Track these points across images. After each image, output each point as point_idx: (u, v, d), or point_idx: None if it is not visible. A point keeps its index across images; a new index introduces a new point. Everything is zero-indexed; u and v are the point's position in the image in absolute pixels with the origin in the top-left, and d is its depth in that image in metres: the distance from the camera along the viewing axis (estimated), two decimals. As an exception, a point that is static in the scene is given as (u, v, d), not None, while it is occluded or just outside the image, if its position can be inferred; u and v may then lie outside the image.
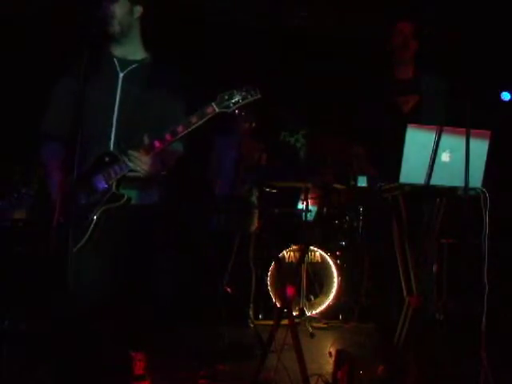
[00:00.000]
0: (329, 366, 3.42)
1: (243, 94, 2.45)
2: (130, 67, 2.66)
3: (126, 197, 2.52)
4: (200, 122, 2.45)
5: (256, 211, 4.87)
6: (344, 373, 2.88)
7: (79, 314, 2.39)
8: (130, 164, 2.46)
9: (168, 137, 2.46)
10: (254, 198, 4.84)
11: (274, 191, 5.01)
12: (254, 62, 5.43)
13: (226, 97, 2.45)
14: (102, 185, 2.51)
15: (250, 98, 2.46)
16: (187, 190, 4.93)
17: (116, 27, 2.60)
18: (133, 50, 2.69)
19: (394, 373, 2.97)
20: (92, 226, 2.48)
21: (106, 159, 2.51)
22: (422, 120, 2.98)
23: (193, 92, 2.77)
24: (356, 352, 3.24)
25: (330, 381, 3.00)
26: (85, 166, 2.47)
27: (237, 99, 2.45)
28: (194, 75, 3.24)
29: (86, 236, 2.47)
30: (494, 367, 2.72)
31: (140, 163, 2.46)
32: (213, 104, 2.45)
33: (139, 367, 2.78)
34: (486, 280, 2.72)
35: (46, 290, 2.89)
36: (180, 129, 2.45)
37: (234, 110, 2.48)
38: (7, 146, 4.73)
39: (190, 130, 2.46)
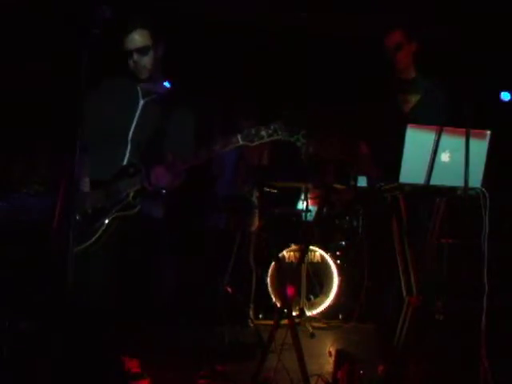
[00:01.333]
0: (329, 365, 3.42)
1: (269, 131, 2.58)
2: (151, 97, 2.86)
3: (138, 207, 2.65)
4: (222, 151, 2.61)
5: (256, 211, 4.87)
6: (344, 373, 2.88)
7: (78, 314, 2.40)
8: (151, 177, 2.60)
9: (190, 159, 2.63)
10: (254, 198, 4.84)
11: (275, 191, 5.01)
12: (254, 62, 5.44)
13: (253, 132, 2.57)
14: (121, 194, 2.65)
15: (275, 137, 2.59)
16: (188, 190, 4.93)
17: (146, 75, 2.80)
18: (155, 83, 2.89)
19: (394, 373, 2.97)
20: (102, 229, 2.60)
21: (130, 170, 2.67)
22: (422, 120, 2.97)
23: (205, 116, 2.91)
24: (356, 352, 3.24)
25: (330, 381, 3.00)
26: (105, 173, 2.66)
27: (262, 135, 2.57)
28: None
29: (94, 238, 2.58)
30: (494, 367, 2.73)
31: (159, 178, 2.60)
32: (238, 136, 2.58)
33: (133, 365, 2.80)
34: (485, 280, 2.72)
35: (45, 291, 2.92)
36: (203, 154, 2.61)
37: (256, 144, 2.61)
38: (7, 146, 4.73)
39: (211, 156, 2.62)
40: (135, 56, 2.74)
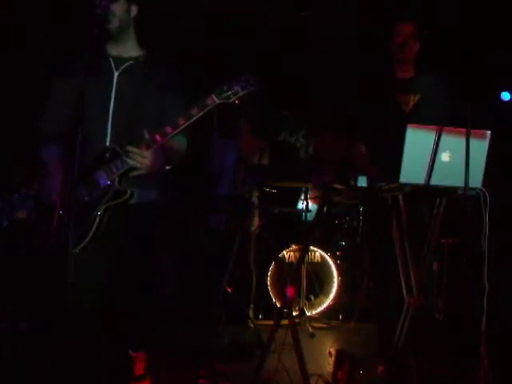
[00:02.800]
0: (329, 366, 3.42)
1: (242, 84, 2.45)
2: (125, 65, 2.67)
3: (128, 192, 2.51)
4: (200, 114, 2.45)
5: (256, 211, 4.87)
6: (344, 373, 2.88)
7: (80, 313, 2.39)
8: (131, 160, 2.45)
9: (169, 130, 2.46)
10: (254, 198, 4.84)
11: (274, 191, 5.01)
12: (253, 61, 5.43)
13: (225, 87, 2.45)
14: (104, 181, 2.50)
15: (250, 88, 2.47)
16: (188, 190, 4.93)
17: (115, 26, 2.61)
18: (128, 48, 2.71)
19: (394, 373, 2.97)
20: (96, 223, 2.47)
21: (107, 155, 2.51)
22: (422, 120, 2.97)
23: (192, 87, 2.77)
24: (356, 352, 3.24)
25: (330, 381, 3.01)
26: (84, 163, 2.43)
27: (236, 90, 2.45)
28: (192, 71, 3.25)
29: (90, 234, 2.46)
30: (494, 367, 2.72)
31: (141, 158, 2.45)
32: (212, 95, 2.45)
33: (139, 367, 2.77)
34: (486, 280, 2.72)
35: (46, 290, 2.89)
36: (181, 121, 2.45)
37: (234, 101, 2.47)
38: (7, 146, 4.72)
39: (190, 122, 2.46)
40: (104, 1, 2.55)
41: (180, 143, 2.71)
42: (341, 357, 2.98)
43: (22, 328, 3.91)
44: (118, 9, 2.59)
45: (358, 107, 3.59)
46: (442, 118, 3.20)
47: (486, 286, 2.72)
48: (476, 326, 2.73)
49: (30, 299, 3.84)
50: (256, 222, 4.88)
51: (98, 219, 2.48)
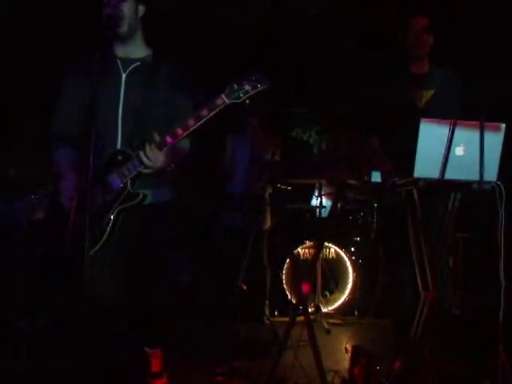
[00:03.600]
0: (345, 362, 3.41)
1: (253, 83, 2.41)
2: (133, 66, 2.66)
3: (141, 195, 2.51)
4: (211, 115, 2.42)
5: (269, 208, 4.87)
6: (360, 369, 2.87)
7: (96, 312, 2.41)
8: (144, 161, 2.45)
9: (179, 131, 2.44)
10: (267, 195, 4.84)
11: (288, 188, 5.00)
12: (265, 59, 5.42)
13: (236, 87, 2.41)
14: (117, 184, 2.50)
15: (260, 88, 2.42)
16: (201, 188, 4.94)
17: (124, 27, 2.60)
18: (135, 49, 2.70)
19: (411, 368, 2.96)
20: (110, 226, 2.48)
21: (119, 157, 2.51)
22: (436, 114, 2.95)
23: (201, 87, 2.76)
24: (372, 348, 3.23)
25: (347, 377, 3.00)
26: (95, 165, 2.37)
27: (247, 89, 2.41)
28: (201, 72, 3.23)
29: (105, 237, 2.46)
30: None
31: (153, 160, 2.44)
32: (222, 95, 2.42)
33: (156, 364, 2.79)
34: (502, 274, 2.70)
35: (62, 290, 2.92)
36: (191, 122, 2.43)
37: (245, 101, 2.44)
38: (20, 146, 4.77)
39: (201, 123, 2.43)
40: (113, 2, 2.54)
41: (184, 145, 2.70)
42: (357, 353, 2.98)
43: (39, 327, 3.95)
44: (126, 10, 2.58)
45: (372, 102, 3.57)
46: (456, 113, 3.19)
47: (503, 280, 2.70)
48: (493, 321, 2.71)
49: (47, 299, 3.88)
50: (270, 219, 4.88)
51: (111, 222, 2.48)
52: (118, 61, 2.66)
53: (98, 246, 2.45)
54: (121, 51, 2.68)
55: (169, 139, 2.45)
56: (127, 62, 2.66)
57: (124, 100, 2.61)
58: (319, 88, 5.80)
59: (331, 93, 5.74)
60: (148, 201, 2.56)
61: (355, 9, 5.42)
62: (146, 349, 2.80)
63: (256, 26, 5.53)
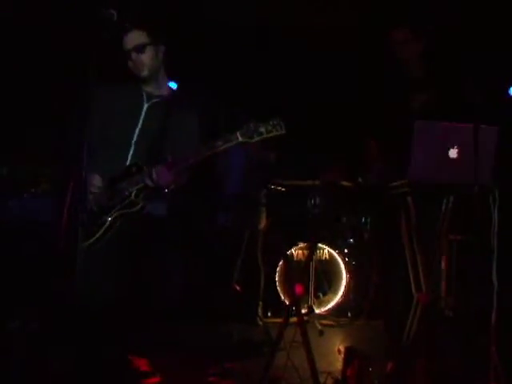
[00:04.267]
0: (338, 363, 3.41)
1: (269, 128, 2.56)
2: (154, 100, 2.88)
3: (140, 204, 2.68)
4: (222, 148, 2.60)
5: (264, 209, 4.87)
6: (353, 370, 2.88)
7: (87, 311, 2.42)
8: (153, 176, 2.62)
9: (191, 158, 2.64)
10: (261, 196, 4.84)
11: (282, 189, 5.01)
12: (260, 61, 5.44)
13: (252, 128, 2.56)
14: (124, 192, 2.68)
15: (275, 133, 2.56)
16: (196, 189, 4.93)
17: (146, 73, 2.80)
18: (159, 86, 2.91)
19: (403, 370, 2.97)
20: (105, 226, 2.62)
21: (133, 169, 2.70)
22: (431, 117, 2.96)
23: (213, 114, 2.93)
24: (365, 349, 3.23)
25: (340, 378, 3.00)
26: (107, 175, 2.68)
27: (261, 131, 2.55)
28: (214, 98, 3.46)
29: (98, 234, 2.59)
30: (505, 363, 2.71)
31: (161, 177, 2.62)
32: (237, 133, 2.57)
33: (142, 363, 2.81)
34: (495, 276, 2.71)
35: (52, 288, 2.94)
36: (203, 152, 2.62)
37: (256, 141, 2.59)
38: (17, 147, 4.75)
39: (211, 153, 2.61)
40: (133, 55, 2.76)
41: None
42: (350, 354, 2.98)
43: (33, 328, 3.93)
44: (146, 60, 2.78)
45: (367, 106, 3.58)
46: (449, 116, 3.20)
47: (496, 282, 2.71)
48: (486, 322, 2.72)
49: (38, 298, 3.87)
50: (264, 219, 4.88)
51: (108, 222, 2.62)
52: (144, 93, 2.88)
53: (91, 240, 2.57)
54: (147, 87, 2.90)
55: (180, 162, 2.65)
56: (151, 96, 2.88)
57: (142, 124, 2.83)
58: (315, 89, 5.80)
59: (327, 94, 5.74)
60: (145, 211, 2.72)
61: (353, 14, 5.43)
62: (127, 353, 2.82)
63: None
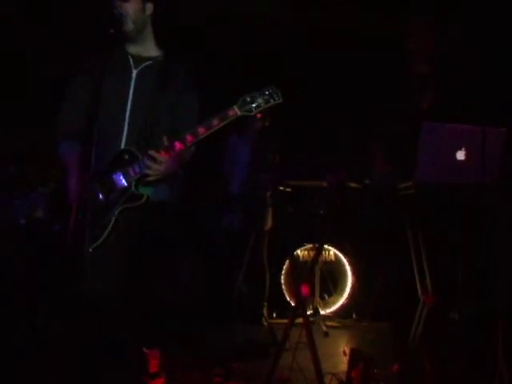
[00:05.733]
0: (343, 364, 3.40)
1: (266, 97, 2.42)
2: (144, 64, 2.66)
3: (145, 196, 2.51)
4: (221, 125, 2.43)
5: (270, 209, 4.86)
6: (358, 372, 2.88)
7: (94, 312, 2.41)
8: (150, 164, 2.44)
9: (189, 138, 2.44)
10: (268, 197, 4.83)
11: (289, 190, 5.00)
12: (268, 61, 5.42)
13: (248, 99, 2.42)
14: (122, 183, 2.49)
15: (273, 102, 2.43)
16: (201, 189, 4.93)
17: (130, 26, 2.59)
18: (147, 48, 2.70)
19: (409, 372, 2.96)
20: (111, 225, 2.47)
21: (126, 157, 2.51)
22: (439, 117, 2.96)
23: (209, 90, 2.77)
24: (370, 351, 3.23)
25: (345, 380, 3.00)
26: (101, 162, 2.43)
27: (259, 102, 2.42)
28: (210, 73, 3.23)
29: (104, 235, 2.46)
30: (510, 366, 2.70)
31: (160, 164, 2.44)
32: (235, 107, 2.43)
33: (154, 365, 2.78)
34: (501, 279, 2.70)
35: (60, 289, 2.92)
36: (201, 130, 2.43)
37: (256, 114, 2.45)
38: (21, 145, 4.76)
39: (211, 131, 2.44)
40: (117, 2, 2.53)
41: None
42: (355, 356, 2.98)
43: (37, 327, 3.94)
44: (130, 9, 2.57)
45: (375, 106, 3.58)
46: (457, 117, 3.19)
47: (502, 285, 2.70)
48: (492, 326, 2.71)
49: (45, 298, 3.87)
50: (270, 220, 4.87)
51: (113, 221, 2.47)
52: (130, 58, 2.66)
53: (98, 243, 2.44)
54: (133, 49, 2.68)
55: (178, 145, 2.44)
56: (139, 59, 2.66)
57: (133, 98, 2.61)
58: (322, 89, 5.79)
59: (334, 95, 5.72)
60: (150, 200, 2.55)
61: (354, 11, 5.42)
62: (144, 349, 2.79)
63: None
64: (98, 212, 2.44)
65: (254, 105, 2.42)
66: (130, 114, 2.60)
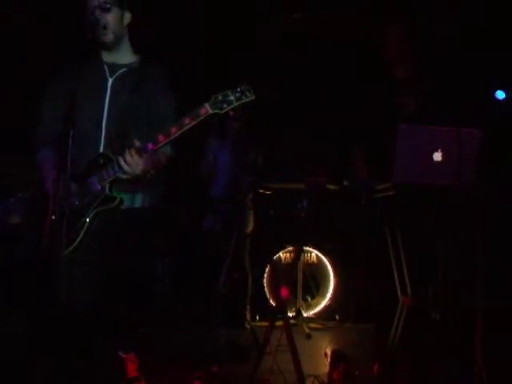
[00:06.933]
0: (325, 366, 3.40)
1: (237, 95, 2.41)
2: (119, 72, 2.69)
3: (118, 199, 2.51)
4: (193, 123, 2.42)
5: (251, 212, 4.86)
6: (339, 373, 2.88)
7: (70, 316, 2.39)
8: (123, 166, 2.44)
9: (161, 138, 2.44)
10: (249, 199, 4.83)
11: (269, 192, 5.00)
12: (249, 64, 5.43)
13: (220, 98, 2.41)
14: (96, 187, 2.50)
15: (245, 99, 2.41)
16: (182, 192, 4.92)
17: (110, 36, 2.62)
18: (122, 55, 2.72)
19: (389, 372, 2.97)
20: (84, 228, 2.47)
21: (101, 161, 2.51)
22: (421, 120, 2.98)
23: (185, 93, 2.76)
24: (352, 352, 3.24)
25: (326, 381, 3.01)
26: (78, 168, 2.46)
27: (231, 100, 2.40)
28: (186, 77, 3.23)
29: (79, 238, 2.46)
30: (489, 367, 2.72)
31: (132, 165, 2.44)
32: (206, 105, 2.42)
33: (132, 369, 2.77)
34: (481, 279, 2.72)
35: (37, 293, 2.89)
36: (173, 130, 2.43)
37: (228, 112, 2.43)
38: (1, 149, 4.72)
39: (183, 131, 2.43)
40: (97, 12, 2.54)
41: (164, 149, 2.68)
42: (336, 357, 2.99)
43: (18, 331, 3.90)
44: (111, 20, 2.60)
45: (357, 109, 3.60)
46: (436, 119, 3.21)
47: (482, 284, 2.72)
48: (471, 325, 2.73)
49: (24, 302, 3.84)
50: (251, 223, 4.87)
51: (86, 224, 2.48)
52: (105, 66, 2.69)
53: (72, 247, 2.44)
54: (108, 57, 2.71)
55: (150, 146, 2.45)
56: (114, 67, 2.69)
57: (109, 104, 2.63)
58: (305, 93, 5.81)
59: (317, 99, 5.74)
60: (124, 205, 2.56)
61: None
62: (121, 353, 2.78)
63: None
64: (73, 216, 2.43)
65: (225, 103, 2.41)
66: (107, 121, 2.62)
